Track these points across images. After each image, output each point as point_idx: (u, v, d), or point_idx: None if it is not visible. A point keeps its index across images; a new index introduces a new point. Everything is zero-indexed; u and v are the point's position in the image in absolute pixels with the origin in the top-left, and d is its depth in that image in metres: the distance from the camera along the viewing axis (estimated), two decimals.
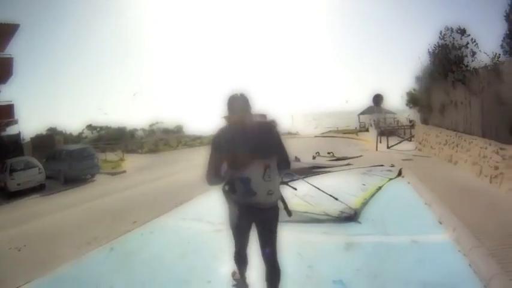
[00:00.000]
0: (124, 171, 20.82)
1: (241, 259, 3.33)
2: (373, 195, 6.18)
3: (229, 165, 2.92)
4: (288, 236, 4.21)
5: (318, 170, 10.42)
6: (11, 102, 24.52)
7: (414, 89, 15.35)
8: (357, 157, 14.24)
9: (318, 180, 7.39)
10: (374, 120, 29.78)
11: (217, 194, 3.40)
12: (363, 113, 39.88)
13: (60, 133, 38.04)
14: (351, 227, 4.66)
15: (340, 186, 6.61)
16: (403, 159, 11.23)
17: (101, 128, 43.76)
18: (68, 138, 37.51)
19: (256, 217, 2.97)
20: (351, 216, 4.98)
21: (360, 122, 38.33)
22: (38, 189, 17.15)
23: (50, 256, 6.38)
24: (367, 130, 31.73)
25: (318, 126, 55.86)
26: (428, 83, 12.67)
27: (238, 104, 2.96)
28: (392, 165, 9.59)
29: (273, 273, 3.00)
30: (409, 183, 7.43)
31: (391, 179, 7.74)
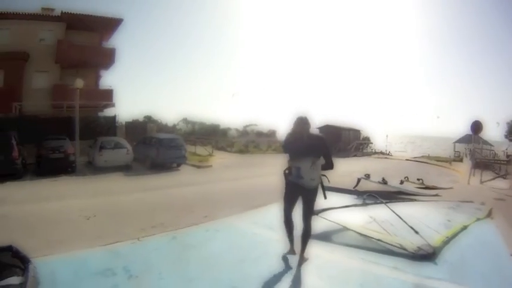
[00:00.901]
0: (210, 166, 21.17)
1: (287, 222, 4.48)
2: (456, 234, 5.61)
3: (290, 158, 4.47)
4: (354, 263, 4.06)
5: (403, 196, 9.87)
6: (111, 88, 27.74)
7: None
8: (447, 189, 13.37)
9: (401, 207, 6.90)
10: (470, 150, 28.05)
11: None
12: (459, 141, 37.64)
13: (156, 122, 39.41)
14: (425, 267, 4.15)
15: (423, 218, 6.10)
16: (495, 199, 10.35)
17: (195, 122, 44.66)
18: (163, 127, 38.62)
19: (301, 193, 4.30)
20: (428, 255, 4.49)
21: (455, 151, 36.17)
22: (124, 169, 17.93)
23: (112, 231, 6.78)
24: (461, 160, 29.85)
25: (414, 150, 53.73)
26: None
27: (300, 121, 4.41)
28: (483, 203, 8.81)
29: (306, 232, 4.27)
30: (497, 227, 6.73)
31: (478, 219, 7.06)
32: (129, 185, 13.71)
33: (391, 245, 4.83)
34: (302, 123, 4.42)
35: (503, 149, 28.99)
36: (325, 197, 4.40)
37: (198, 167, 20.85)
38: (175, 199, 10.59)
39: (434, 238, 5.37)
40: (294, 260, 4.13)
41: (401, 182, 13.82)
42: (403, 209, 6.82)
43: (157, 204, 9.87)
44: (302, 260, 4.16)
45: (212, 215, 7.52)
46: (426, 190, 12.93)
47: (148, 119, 39.30)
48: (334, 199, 7.09)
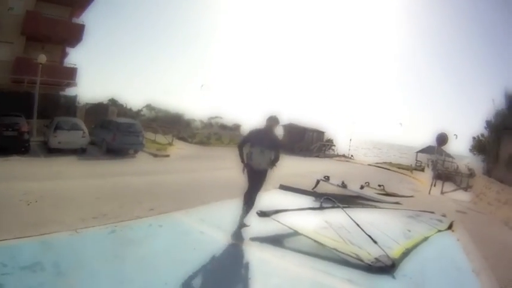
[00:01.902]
0: (167, 155, 20.94)
1: (245, 196, 5.67)
2: (416, 245, 5.29)
3: (250, 145, 5.76)
4: (305, 272, 3.64)
5: (363, 201, 9.63)
6: (75, 66, 26.66)
7: (482, 135, 14.20)
8: (408, 197, 13.30)
9: (360, 213, 6.55)
10: (432, 161, 28.55)
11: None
12: (421, 151, 38.57)
13: (120, 106, 38.88)
14: (383, 281, 3.73)
15: (382, 226, 5.74)
16: (457, 211, 10.24)
17: (160, 109, 44.31)
18: (127, 112, 38.28)
19: (253, 173, 5.68)
20: (386, 268, 4.07)
21: (416, 160, 36.90)
22: (79, 152, 17.55)
23: (50, 219, 6.58)
24: (422, 170, 30.41)
25: (378, 155, 54.80)
26: (500, 130, 11.46)
27: (270, 118, 5.82)
28: (444, 215, 8.64)
29: (250, 204, 5.48)
30: (458, 240, 6.50)
31: (439, 231, 6.83)
32: (80, 170, 13.18)
33: (346, 254, 4.39)
34: (271, 120, 5.84)
35: (463, 162, 29.65)
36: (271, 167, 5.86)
37: (155, 155, 20.47)
38: (124, 188, 10.19)
39: (394, 249, 4.94)
40: (237, 265, 3.74)
41: (362, 187, 13.63)
42: (362, 215, 6.41)
43: (105, 192, 9.43)
44: (242, 225, 5.00)
45: (158, 209, 7.35)
46: (387, 197, 12.81)
47: (113, 102, 38.65)
48: (289, 200, 6.72)
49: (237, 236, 4.39)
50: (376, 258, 4.34)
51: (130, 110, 41.43)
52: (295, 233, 4.76)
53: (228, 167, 17.49)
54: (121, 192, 9.57)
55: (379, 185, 14.77)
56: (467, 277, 4.49)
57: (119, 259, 3.78)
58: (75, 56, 30.81)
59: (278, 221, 4.97)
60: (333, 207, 5.91)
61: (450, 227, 8.03)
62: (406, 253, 4.92)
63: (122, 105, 39.79)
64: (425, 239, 6.33)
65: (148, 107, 44.65)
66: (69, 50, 28.43)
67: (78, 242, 4.22)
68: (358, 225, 5.26)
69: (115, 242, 4.44)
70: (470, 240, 6.60)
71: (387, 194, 13.59)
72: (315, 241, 4.54)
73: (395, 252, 4.74)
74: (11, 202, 7.79)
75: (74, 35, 25.91)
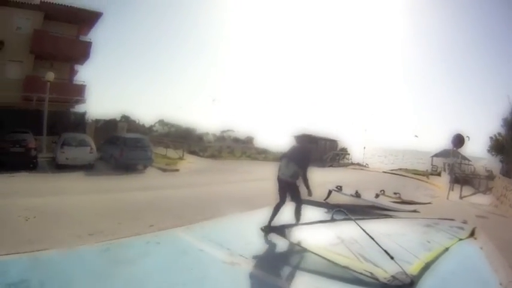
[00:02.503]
0: (177, 170, 21.32)
1: (276, 207, 5.09)
2: (436, 258, 4.85)
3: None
4: None
5: (378, 211, 9.27)
6: (84, 83, 29.20)
7: (500, 134, 13.73)
8: (425, 204, 12.89)
9: (375, 224, 6.11)
10: (448, 165, 28.11)
11: (254, 219, 3.73)
12: (436, 155, 38.31)
13: (133, 122, 40.54)
14: None
15: (399, 238, 5.29)
16: (477, 216, 9.85)
17: (172, 125, 45.65)
18: (139, 128, 39.68)
19: (281, 185, 5.38)
20: (404, 286, 3.71)
21: (432, 165, 36.53)
22: (87, 167, 18.02)
23: (45, 236, 6.62)
24: (439, 174, 30.03)
25: (393, 162, 54.46)
26: None
27: (302, 136, 6.13)
28: (465, 222, 8.24)
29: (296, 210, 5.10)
30: (481, 248, 6.07)
31: (461, 240, 6.43)
32: (86, 186, 13.53)
33: (360, 273, 4.00)
34: (302, 137, 6.07)
35: (481, 164, 29.13)
36: (310, 194, 5.54)
37: (164, 170, 20.85)
38: (126, 204, 10.35)
39: (412, 264, 4.53)
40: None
41: (377, 196, 13.19)
42: (377, 227, 5.96)
43: (106, 208, 9.56)
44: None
45: (159, 225, 7.25)
46: (403, 205, 12.43)
47: (125, 119, 39.68)
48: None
49: (240, 254, 4.09)
50: (393, 276, 3.88)
51: (143, 126, 42.76)
52: (303, 250, 4.41)
53: (238, 181, 17.33)
54: (122, 208, 9.66)
55: (395, 193, 14.34)
56: None
57: (108, 279, 3.49)
58: (85, 73, 31.97)
59: (284, 237, 4.66)
60: (345, 219, 5.59)
61: (472, 234, 7.61)
62: (425, 268, 4.52)
63: (134, 121, 41.26)
64: (446, 250, 5.90)
65: (161, 122, 46.03)
66: (78, 67, 29.85)
67: (69, 260, 3.96)
68: (372, 238, 4.77)
69: (107, 260, 4.14)
70: (494, 248, 6.20)
71: (403, 202, 13.19)
72: (325, 259, 4.18)
73: (414, 267, 4.31)
74: (9, 218, 7.94)
75: (81, 52, 27.23)
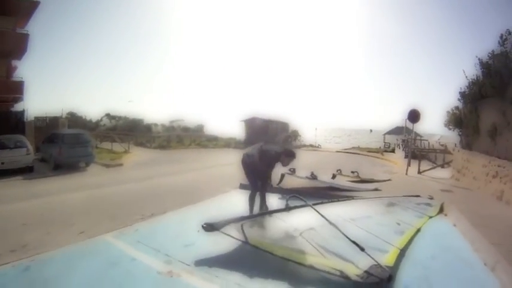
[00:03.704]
0: (120, 165, 20.68)
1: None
2: (410, 242, 4.19)
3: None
4: None
5: (336, 193, 8.79)
6: (22, 79, 27.37)
7: (457, 108, 13.76)
8: (385, 181, 12.66)
9: (336, 208, 5.36)
10: (403, 141, 28.60)
11: (195, 215, 3.16)
12: (389, 132, 39.54)
13: (79, 118, 41.24)
14: None
15: (365, 223, 4.56)
16: (442, 190, 9.62)
17: (120, 117, 46.15)
18: (86, 123, 40.34)
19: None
20: (382, 282, 3.00)
21: (385, 142, 37.59)
22: (26, 170, 17.10)
23: None
24: (392, 151, 30.66)
25: (341, 143, 55.57)
26: (477, 100, 10.99)
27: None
28: (431, 197, 7.88)
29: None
30: (455, 225, 5.58)
31: (431, 217, 5.93)
32: (18, 192, 12.54)
33: (327, 272, 3.22)
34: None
35: (434, 139, 29.88)
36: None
37: (108, 166, 20.18)
38: (59, 208, 9.65)
39: (387, 253, 3.81)
40: None
41: (334, 176, 12.81)
42: (338, 211, 5.12)
43: (36, 216, 8.77)
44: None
45: (90, 231, 6.58)
46: (363, 184, 12.13)
47: (72, 115, 40.22)
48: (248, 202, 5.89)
49: (179, 260, 3.36)
50: (367, 272, 3.14)
51: (90, 121, 43.59)
52: (255, 250, 3.59)
53: (183, 171, 16.64)
54: (53, 214, 8.92)
55: (352, 172, 14.08)
56: (482, 275, 3.48)
57: None
58: (26, 68, 30.55)
59: (230, 235, 3.85)
60: (301, 206, 4.89)
61: (441, 210, 7.19)
62: (401, 255, 3.84)
63: (80, 117, 42.00)
64: (418, 230, 5.36)
65: (108, 116, 46.39)
66: (16, 62, 28.41)
67: None
68: (336, 227, 3.94)
69: (26, 281, 3.39)
70: (469, 225, 5.76)
71: (362, 181, 12.95)
72: (283, 258, 3.40)
73: (389, 257, 3.57)
74: None
75: (18, 46, 25.44)
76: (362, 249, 3.04)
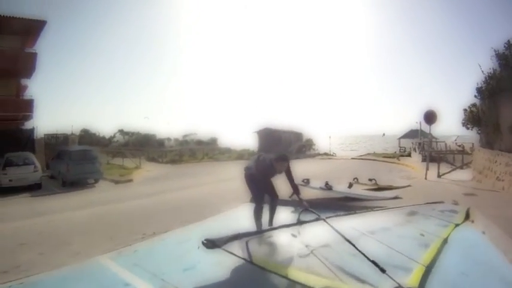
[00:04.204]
0: (130, 180, 20.84)
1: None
2: (437, 255, 3.65)
3: None
4: None
5: (354, 203, 8.40)
6: (31, 97, 27.85)
7: (474, 105, 13.31)
8: (405, 187, 12.26)
9: (353, 222, 4.79)
10: (419, 144, 28.15)
11: (198, 234, 2.76)
12: (403, 136, 39.43)
13: (93, 135, 42.57)
14: None
15: (386, 237, 4.00)
16: (465, 194, 9.20)
17: (133, 133, 47.02)
18: (100, 140, 41.82)
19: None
20: None
21: (400, 146, 37.77)
22: (34, 188, 17.41)
23: None
24: (408, 155, 30.33)
25: (356, 150, 55.37)
26: (495, 95, 10.52)
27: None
28: (456, 203, 7.44)
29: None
30: (484, 233, 5.05)
31: (457, 225, 5.43)
32: (23, 209, 12.80)
33: None
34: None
35: (451, 140, 29.38)
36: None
37: (117, 182, 20.35)
38: (59, 227, 9.66)
39: (411, 271, 3.32)
40: None
41: (350, 185, 12.35)
42: (355, 224, 4.63)
43: (34, 235, 8.77)
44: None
45: (87, 251, 6.55)
46: (382, 192, 11.71)
47: (85, 132, 41.76)
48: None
49: (176, 285, 2.98)
50: None
51: (103, 137, 44.56)
52: (260, 270, 3.13)
53: (194, 185, 16.35)
54: (52, 233, 8.93)
55: (370, 179, 13.65)
56: None
57: None
58: (37, 87, 31.57)
59: (233, 253, 3.38)
60: (314, 220, 4.47)
61: (467, 217, 6.69)
62: (427, 272, 3.35)
63: (94, 134, 43.16)
64: (445, 241, 4.87)
65: (122, 132, 47.29)
66: (26, 81, 29.19)
67: None
68: (353, 244, 3.37)
69: None
70: (500, 231, 5.26)
71: (381, 188, 12.56)
72: (291, 280, 2.95)
73: (413, 277, 3.13)
74: None
75: (26, 65, 25.98)
76: (383, 270, 2.61)
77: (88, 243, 7.42)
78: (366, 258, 2.72)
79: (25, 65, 25.84)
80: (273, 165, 6.04)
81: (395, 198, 9.94)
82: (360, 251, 2.82)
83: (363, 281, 2.59)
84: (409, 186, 12.98)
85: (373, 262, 2.66)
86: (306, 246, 3.47)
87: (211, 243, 3.07)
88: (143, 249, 4.53)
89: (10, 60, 24.53)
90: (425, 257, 3.39)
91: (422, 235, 4.38)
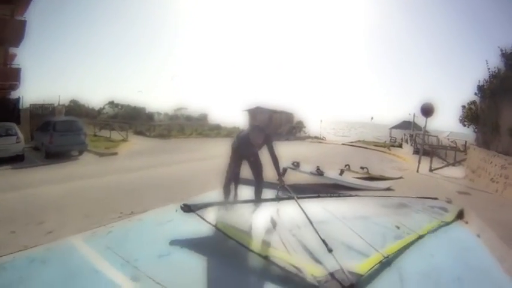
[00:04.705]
0: (115, 153, 20.26)
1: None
2: (407, 247, 3.51)
3: None
4: None
5: (345, 191, 8.27)
6: (18, 66, 27.02)
7: (473, 102, 13.12)
8: (397, 178, 12.16)
9: (331, 205, 4.74)
10: (410, 136, 28.05)
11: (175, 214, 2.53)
12: (395, 127, 39.27)
13: (82, 106, 41.13)
14: None
15: (359, 222, 3.94)
16: (459, 192, 9.06)
17: (123, 105, 45.68)
18: (89, 111, 40.25)
19: None
20: None
21: (391, 137, 37.70)
22: (17, 159, 16.62)
23: None
24: (399, 146, 30.03)
25: (346, 136, 55.28)
26: (496, 95, 10.36)
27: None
28: (449, 201, 7.29)
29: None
30: (479, 236, 4.76)
31: (446, 224, 5.16)
32: (1, 183, 11.90)
33: (284, 269, 2.61)
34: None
35: (443, 136, 29.18)
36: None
37: (101, 154, 19.74)
38: (35, 202, 8.98)
39: (366, 258, 3.23)
40: None
41: (342, 172, 12.13)
42: (333, 208, 4.58)
43: (7, 211, 8.19)
44: None
45: (60, 231, 6.23)
46: (374, 182, 11.57)
47: (74, 103, 40.54)
48: (248, 194, 5.46)
49: (148, 275, 2.85)
50: (331, 274, 2.56)
51: (92, 109, 43.27)
52: (223, 237, 3.08)
53: (179, 161, 16.14)
54: (27, 209, 8.30)
55: (362, 168, 13.46)
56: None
57: None
58: (31, 57, 30.64)
59: (204, 219, 3.36)
60: (287, 198, 4.40)
61: (459, 216, 6.38)
62: (387, 262, 3.18)
63: (83, 105, 41.92)
64: (420, 237, 4.71)
65: (111, 104, 45.84)
66: (15, 50, 28.11)
67: None
68: (311, 223, 3.34)
69: None
70: (496, 237, 5.00)
71: (372, 178, 12.44)
72: (247, 248, 2.87)
73: (365, 263, 2.99)
74: None
75: (15, 32, 24.99)
76: (330, 250, 2.48)
77: (62, 222, 7.01)
78: (318, 236, 2.59)
79: (14, 33, 25.08)
80: (249, 138, 5.86)
81: (388, 189, 9.82)
82: (315, 229, 2.67)
83: (311, 257, 2.45)
84: (401, 178, 12.80)
85: (323, 241, 2.51)
86: (275, 221, 3.36)
87: (187, 208, 2.98)
88: (118, 230, 4.29)
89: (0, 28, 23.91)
90: (389, 248, 3.22)
91: (398, 227, 4.20)
